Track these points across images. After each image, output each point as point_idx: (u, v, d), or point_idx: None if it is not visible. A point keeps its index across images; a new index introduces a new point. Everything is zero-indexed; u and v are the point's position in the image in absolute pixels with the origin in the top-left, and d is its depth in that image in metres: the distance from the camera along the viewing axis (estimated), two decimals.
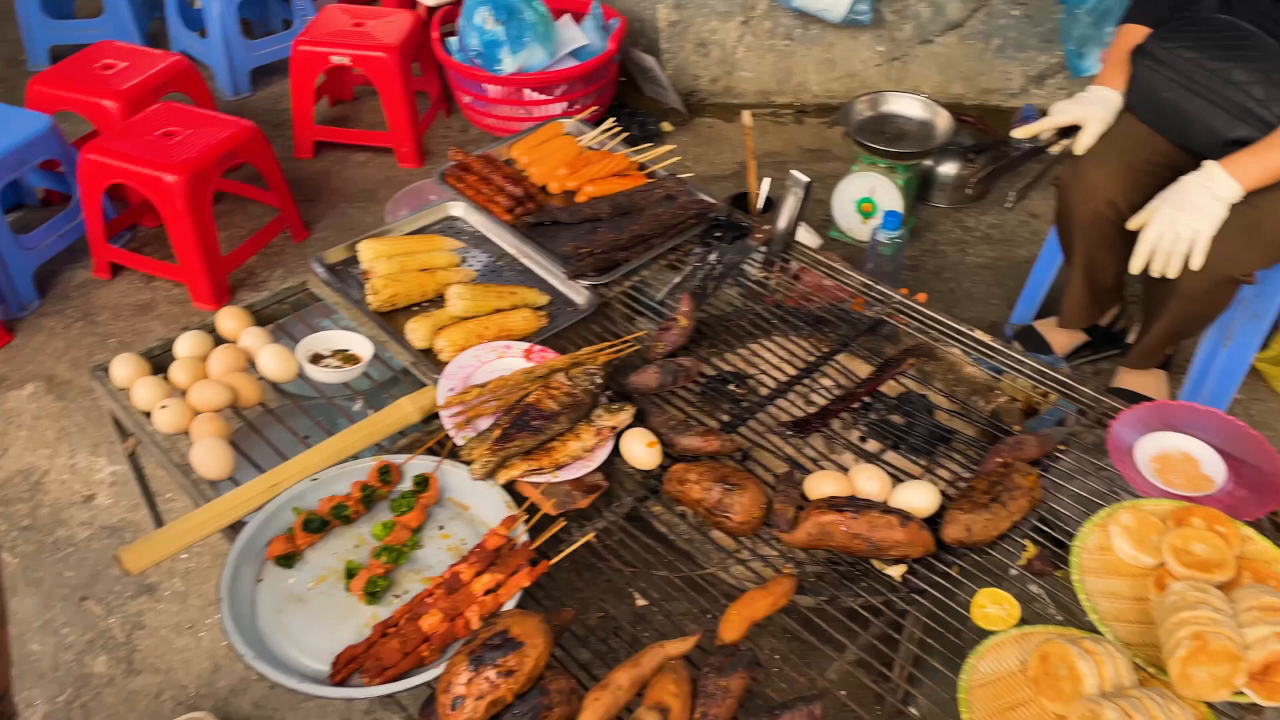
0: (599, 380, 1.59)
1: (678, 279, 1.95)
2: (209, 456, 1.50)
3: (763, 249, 1.98)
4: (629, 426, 1.57)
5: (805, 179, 1.89)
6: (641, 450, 1.52)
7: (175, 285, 2.57)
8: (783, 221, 1.94)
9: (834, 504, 1.38)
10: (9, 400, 2.23)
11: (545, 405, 1.53)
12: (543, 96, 2.88)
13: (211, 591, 1.83)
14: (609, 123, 2.30)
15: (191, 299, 2.51)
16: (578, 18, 3.11)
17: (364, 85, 3.44)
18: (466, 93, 2.97)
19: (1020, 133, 2.05)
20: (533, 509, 1.44)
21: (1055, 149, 2.06)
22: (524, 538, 1.39)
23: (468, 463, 1.49)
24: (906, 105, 2.72)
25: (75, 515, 1.98)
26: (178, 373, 1.65)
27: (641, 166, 2.23)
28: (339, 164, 3.12)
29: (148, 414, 1.60)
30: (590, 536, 1.43)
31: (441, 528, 1.45)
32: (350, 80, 3.40)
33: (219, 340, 1.76)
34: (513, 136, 2.30)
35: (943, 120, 2.65)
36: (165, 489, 2.01)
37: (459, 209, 2.10)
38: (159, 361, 1.71)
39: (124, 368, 1.65)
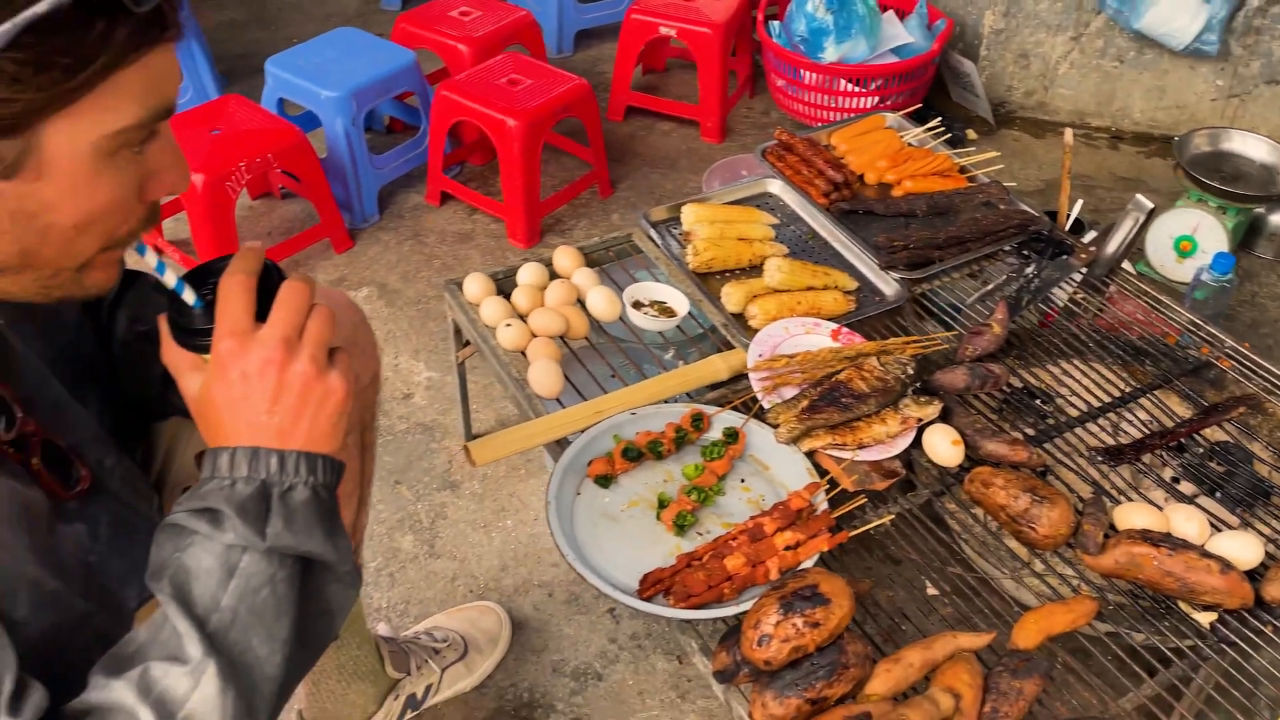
0: (910, 371, 1.62)
1: (989, 286, 1.94)
2: (544, 376, 1.65)
3: (1083, 270, 1.94)
4: (933, 421, 1.59)
5: (1149, 204, 1.83)
6: (945, 447, 1.54)
7: (493, 221, 2.79)
8: (1113, 245, 1.89)
9: (1148, 537, 1.35)
10: None
11: (856, 385, 1.58)
12: (857, 89, 2.91)
13: (505, 500, 2.01)
14: (934, 121, 2.30)
15: (507, 235, 2.73)
16: (902, 15, 3.10)
17: (676, 59, 3.58)
18: (781, 76, 3.04)
19: None
20: (831, 482, 1.50)
21: None
22: (824, 506, 1.45)
23: (774, 425, 1.56)
24: (1251, 146, 2.55)
25: (395, 409, 2.21)
26: (520, 297, 1.82)
27: (962, 169, 2.22)
28: (645, 130, 3.27)
29: (491, 329, 1.77)
30: (889, 518, 1.47)
31: (743, 480, 1.54)
32: (666, 52, 3.55)
33: (553, 275, 1.92)
34: (833, 124, 2.34)
35: None
36: (475, 400, 2.21)
37: (776, 186, 2.18)
38: (501, 284, 1.88)
39: (475, 285, 1.83)
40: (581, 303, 1.86)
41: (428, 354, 2.35)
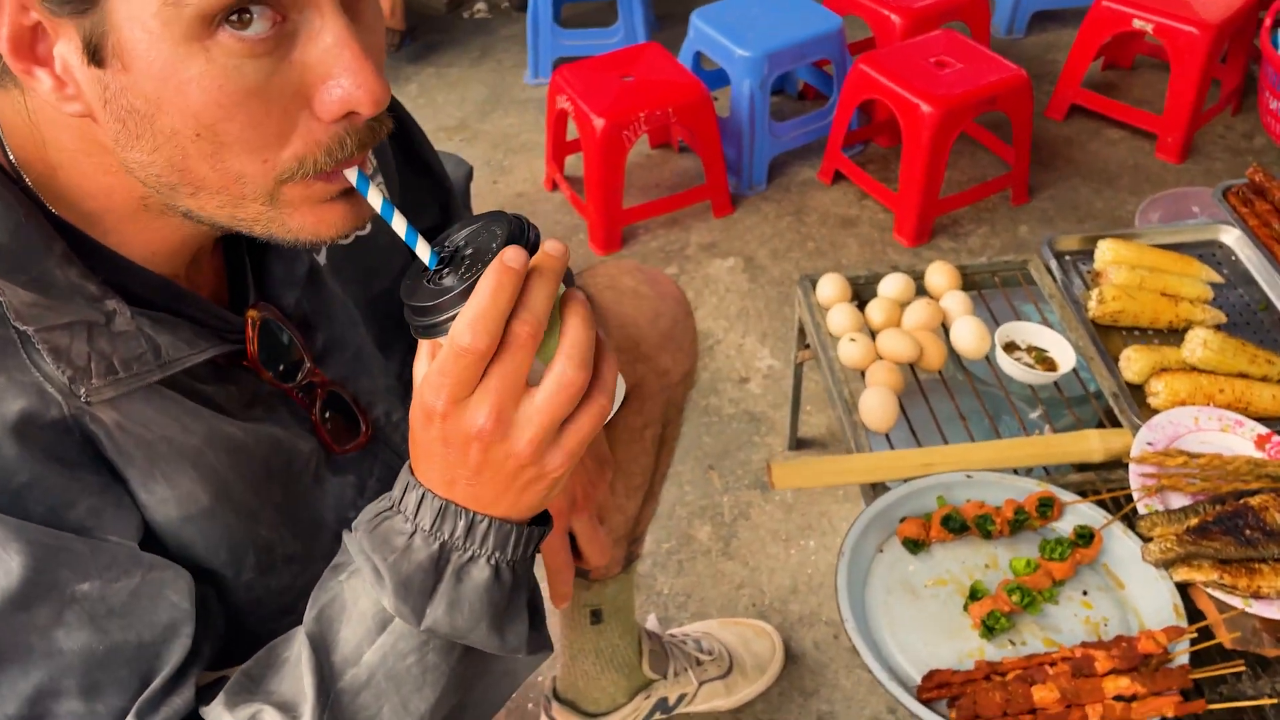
0: None
1: None
2: (877, 406, 1.47)
3: None
4: None
5: None
6: None
7: (883, 211, 2.59)
8: None
9: None
10: (713, 266, 2.47)
11: (1271, 518, 1.23)
12: None
13: (814, 518, 1.87)
14: None
15: (894, 229, 2.51)
16: None
17: (1148, 56, 3.08)
18: (1277, 97, 2.48)
19: None
20: (1203, 631, 1.18)
21: None
22: (1183, 659, 1.15)
23: (1144, 537, 1.26)
24: None
25: (727, 390, 2.14)
26: (875, 311, 1.64)
27: None
28: (1087, 134, 2.85)
29: (834, 339, 1.61)
30: (1272, 701, 1.13)
31: (1085, 593, 1.26)
32: (1135, 48, 3.06)
33: (920, 290, 1.71)
34: None
35: None
36: (811, 402, 2.07)
37: (1230, 237, 1.76)
38: (860, 290, 1.71)
39: (829, 287, 1.68)
40: (945, 329, 1.64)
41: (775, 340, 2.24)
